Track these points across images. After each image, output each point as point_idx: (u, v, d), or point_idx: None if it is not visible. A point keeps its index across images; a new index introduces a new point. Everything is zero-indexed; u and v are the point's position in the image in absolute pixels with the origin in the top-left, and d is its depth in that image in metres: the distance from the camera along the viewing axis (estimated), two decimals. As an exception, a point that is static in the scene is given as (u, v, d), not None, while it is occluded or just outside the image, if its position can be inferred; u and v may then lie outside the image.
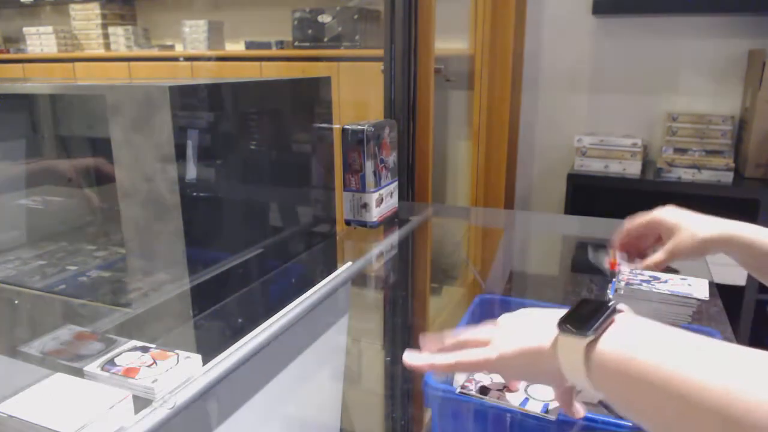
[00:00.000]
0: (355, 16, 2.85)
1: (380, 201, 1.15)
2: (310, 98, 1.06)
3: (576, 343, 0.47)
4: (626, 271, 0.74)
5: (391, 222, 1.22)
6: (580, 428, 0.65)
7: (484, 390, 0.72)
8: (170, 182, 0.75)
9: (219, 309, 0.83)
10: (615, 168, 2.35)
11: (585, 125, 2.62)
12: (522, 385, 0.74)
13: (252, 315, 0.83)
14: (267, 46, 3.13)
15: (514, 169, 2.72)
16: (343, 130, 1.11)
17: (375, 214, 1.14)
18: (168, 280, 0.79)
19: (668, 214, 0.73)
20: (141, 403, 0.55)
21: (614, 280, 0.73)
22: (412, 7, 1.33)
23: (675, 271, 0.80)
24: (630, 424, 0.69)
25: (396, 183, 1.24)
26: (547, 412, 0.68)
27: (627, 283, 0.70)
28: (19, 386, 0.53)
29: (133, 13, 3.73)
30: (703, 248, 0.70)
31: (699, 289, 0.69)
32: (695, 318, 0.73)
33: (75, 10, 3.65)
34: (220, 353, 0.64)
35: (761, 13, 2.25)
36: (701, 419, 0.37)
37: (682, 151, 2.30)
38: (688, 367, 0.39)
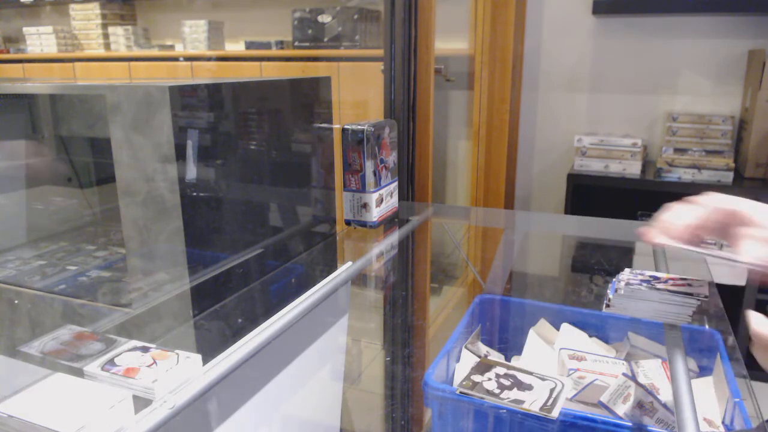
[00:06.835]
0: (355, 16, 2.85)
1: (380, 201, 1.15)
2: (310, 98, 1.06)
3: None
4: (626, 272, 0.74)
5: (391, 222, 1.22)
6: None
7: (484, 390, 0.72)
8: (170, 182, 0.75)
9: (219, 309, 0.83)
10: (615, 168, 2.36)
11: (585, 125, 2.62)
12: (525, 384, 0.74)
13: (252, 315, 0.83)
14: (267, 46, 3.13)
15: (514, 169, 2.72)
16: (343, 130, 1.11)
17: (375, 214, 1.14)
18: (168, 280, 0.79)
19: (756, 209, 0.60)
20: (141, 403, 0.55)
21: (614, 280, 0.73)
22: (412, 7, 1.33)
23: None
24: (630, 423, 0.69)
25: (396, 183, 1.24)
26: (547, 411, 0.68)
27: (627, 283, 0.70)
28: (19, 386, 0.53)
29: (133, 13, 3.73)
30: None
31: (699, 289, 0.69)
32: (695, 318, 0.73)
33: (75, 10, 3.65)
34: (220, 353, 0.64)
35: (761, 13, 2.25)
36: None
37: (682, 151, 2.31)
38: None
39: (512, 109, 2.48)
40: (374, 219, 1.14)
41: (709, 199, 0.65)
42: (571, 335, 0.96)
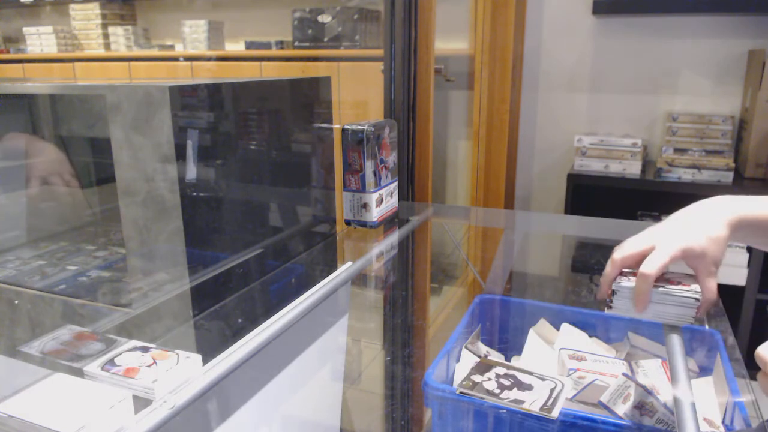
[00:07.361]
0: (355, 16, 2.85)
1: (380, 201, 1.15)
2: (310, 98, 1.06)
3: None
4: (627, 273, 0.74)
5: (391, 222, 1.22)
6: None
7: (484, 390, 0.72)
8: (170, 182, 0.75)
9: (219, 309, 0.83)
10: (615, 168, 2.36)
11: (585, 125, 2.62)
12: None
13: (252, 315, 0.83)
14: (267, 46, 3.13)
15: (514, 169, 2.72)
16: (343, 130, 1.11)
17: (375, 214, 1.14)
18: (168, 280, 0.79)
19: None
20: (141, 403, 0.55)
21: (615, 281, 0.73)
22: (412, 7, 1.33)
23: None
24: (630, 423, 0.69)
25: (396, 183, 1.24)
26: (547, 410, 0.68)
27: (627, 285, 0.70)
28: (19, 386, 0.53)
29: (133, 13, 3.73)
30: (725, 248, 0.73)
31: (699, 289, 0.69)
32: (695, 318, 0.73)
33: (75, 10, 3.65)
34: (220, 353, 0.64)
35: (761, 13, 2.25)
36: None
37: (682, 151, 2.31)
38: None
39: (512, 109, 2.48)
40: (374, 219, 1.14)
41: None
42: (571, 335, 0.96)
